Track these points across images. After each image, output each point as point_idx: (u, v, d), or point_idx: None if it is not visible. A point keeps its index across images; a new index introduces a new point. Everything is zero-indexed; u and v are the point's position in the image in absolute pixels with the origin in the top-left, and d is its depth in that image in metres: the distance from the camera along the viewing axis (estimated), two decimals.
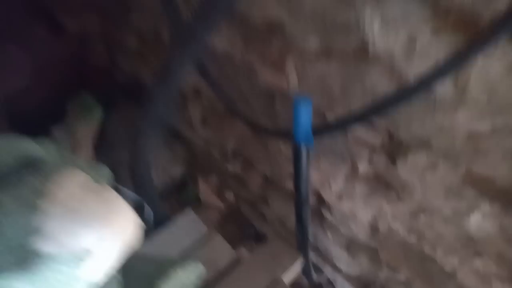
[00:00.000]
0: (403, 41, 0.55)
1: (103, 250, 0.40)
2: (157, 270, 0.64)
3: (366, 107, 0.65)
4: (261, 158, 1.20)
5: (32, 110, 1.51)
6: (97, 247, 0.40)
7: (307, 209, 0.93)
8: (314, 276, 1.27)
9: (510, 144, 0.53)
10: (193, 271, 0.68)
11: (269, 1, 0.74)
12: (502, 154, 0.55)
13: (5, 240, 0.38)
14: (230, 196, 1.60)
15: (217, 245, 1.12)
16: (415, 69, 0.56)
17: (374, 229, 0.92)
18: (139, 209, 1.23)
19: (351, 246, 1.06)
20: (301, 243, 1.05)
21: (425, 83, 0.53)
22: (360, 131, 0.76)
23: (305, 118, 0.72)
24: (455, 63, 0.49)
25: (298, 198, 0.90)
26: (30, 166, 0.46)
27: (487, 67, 0.49)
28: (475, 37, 0.46)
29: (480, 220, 0.65)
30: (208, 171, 1.64)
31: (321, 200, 1.04)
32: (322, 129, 0.77)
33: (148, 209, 1.22)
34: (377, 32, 0.58)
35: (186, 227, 1.21)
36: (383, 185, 0.81)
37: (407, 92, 0.56)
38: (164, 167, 1.62)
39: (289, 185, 1.12)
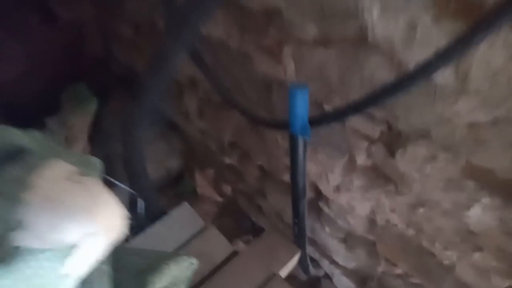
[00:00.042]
0: (403, 28, 0.54)
1: (87, 244, 0.39)
2: (150, 265, 0.62)
3: (365, 97, 0.63)
4: (258, 151, 1.19)
5: (26, 101, 1.49)
6: (81, 241, 0.38)
7: (304, 202, 0.92)
8: (311, 269, 1.26)
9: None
10: (186, 265, 0.67)
11: None
12: (503, 146, 0.54)
13: None
14: (227, 189, 1.59)
15: (213, 239, 1.11)
16: (415, 57, 0.55)
17: (372, 222, 0.92)
18: (133, 203, 1.21)
19: (349, 239, 1.05)
20: (298, 236, 1.04)
21: (425, 71, 0.51)
22: (358, 122, 0.75)
23: (302, 107, 0.71)
24: (456, 50, 0.48)
25: (295, 191, 0.89)
26: (14, 157, 0.45)
27: (489, 55, 0.48)
28: (476, 24, 0.45)
29: (479, 213, 0.64)
30: (205, 164, 1.63)
31: (318, 193, 1.03)
32: (319, 119, 0.75)
33: (141, 203, 1.21)
34: (377, 19, 0.56)
35: (182, 220, 1.20)
36: (381, 177, 0.80)
37: (407, 81, 0.54)
38: (160, 160, 1.60)
39: (287, 177, 1.11)
